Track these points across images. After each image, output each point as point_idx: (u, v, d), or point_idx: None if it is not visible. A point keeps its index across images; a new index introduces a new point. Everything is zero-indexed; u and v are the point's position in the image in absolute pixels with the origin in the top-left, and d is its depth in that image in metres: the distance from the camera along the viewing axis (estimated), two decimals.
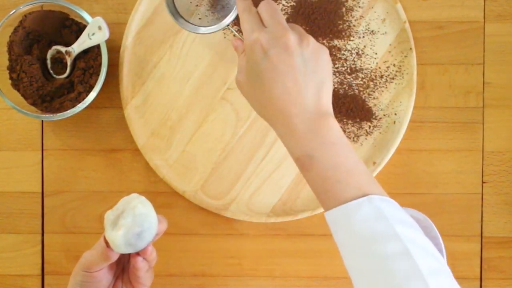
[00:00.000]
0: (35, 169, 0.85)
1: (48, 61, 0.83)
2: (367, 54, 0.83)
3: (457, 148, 0.84)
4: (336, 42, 0.83)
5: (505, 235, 0.84)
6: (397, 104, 0.83)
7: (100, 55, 0.80)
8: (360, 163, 0.63)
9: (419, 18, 0.83)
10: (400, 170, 0.84)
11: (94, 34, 0.79)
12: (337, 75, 0.83)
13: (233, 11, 0.74)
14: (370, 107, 0.83)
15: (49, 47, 0.83)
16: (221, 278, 0.85)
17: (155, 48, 0.84)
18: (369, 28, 0.83)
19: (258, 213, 0.84)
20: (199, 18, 0.77)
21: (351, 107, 0.83)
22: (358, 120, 0.83)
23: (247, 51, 0.66)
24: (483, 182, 0.84)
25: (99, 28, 0.78)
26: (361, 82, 0.83)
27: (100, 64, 0.80)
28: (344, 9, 0.83)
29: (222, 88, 0.84)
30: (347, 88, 0.83)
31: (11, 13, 0.79)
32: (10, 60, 0.81)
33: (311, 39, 0.65)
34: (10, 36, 0.81)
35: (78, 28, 0.82)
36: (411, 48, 0.82)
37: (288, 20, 0.82)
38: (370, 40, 0.83)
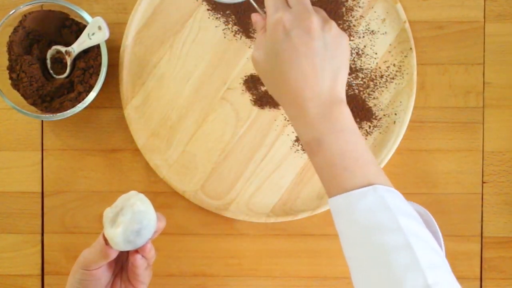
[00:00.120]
0: (35, 169, 0.85)
1: (48, 61, 0.83)
2: (367, 54, 0.83)
3: (457, 148, 0.84)
4: None
5: (505, 235, 0.84)
6: (397, 104, 0.83)
7: (100, 55, 0.80)
8: (368, 153, 0.62)
9: (419, 18, 0.83)
10: (400, 170, 0.84)
11: (94, 34, 0.79)
12: None
13: None
14: (370, 107, 0.83)
15: (49, 47, 0.83)
16: (221, 278, 0.85)
17: (155, 48, 0.84)
18: (369, 28, 0.83)
19: (258, 213, 0.84)
20: None
21: (351, 107, 0.82)
22: (358, 120, 0.83)
23: (269, 29, 0.65)
24: (483, 182, 0.84)
25: (99, 28, 0.78)
26: (361, 82, 0.83)
27: (100, 64, 0.80)
28: (344, 9, 0.83)
29: (222, 88, 0.84)
30: (347, 88, 0.83)
31: (11, 13, 0.79)
32: (10, 60, 0.81)
33: (333, 24, 0.65)
34: (10, 36, 0.81)
35: (78, 28, 0.82)
36: (411, 48, 0.82)
37: None
38: (370, 40, 0.83)
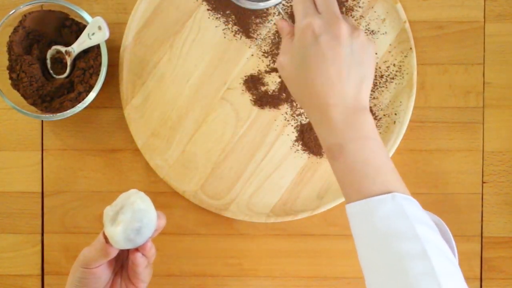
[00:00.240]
0: (35, 169, 0.85)
1: (48, 61, 0.83)
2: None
3: (457, 148, 0.84)
4: None
5: (505, 235, 0.84)
6: (397, 104, 0.83)
7: (100, 55, 0.80)
8: (389, 160, 0.63)
9: (419, 18, 0.83)
10: (400, 170, 0.83)
11: (94, 34, 0.79)
12: None
13: None
14: (370, 107, 0.83)
15: (49, 47, 0.83)
16: (221, 278, 0.85)
17: (155, 48, 0.84)
18: (369, 28, 0.83)
19: (258, 213, 0.84)
20: None
21: None
22: None
23: (297, 34, 0.66)
24: (483, 182, 0.84)
25: (99, 28, 0.78)
26: None
27: (100, 64, 0.80)
28: (344, 9, 0.83)
29: (222, 88, 0.84)
30: None
31: (11, 13, 0.79)
32: (10, 60, 0.81)
33: (361, 32, 0.65)
34: (10, 36, 0.81)
35: (78, 28, 0.82)
36: (411, 48, 0.82)
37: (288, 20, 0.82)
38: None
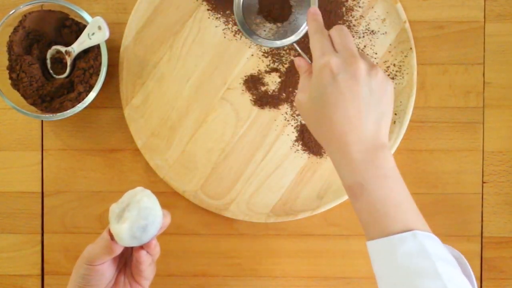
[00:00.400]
0: (35, 169, 0.85)
1: (48, 61, 0.83)
2: (367, 54, 0.83)
3: (457, 148, 0.84)
4: None
5: (505, 235, 0.84)
6: (397, 104, 0.83)
7: (100, 55, 0.80)
8: (409, 197, 0.64)
9: (419, 18, 0.83)
10: (400, 170, 0.83)
11: (94, 34, 0.79)
12: None
13: (301, 29, 0.75)
14: None
15: (49, 47, 0.83)
16: (221, 278, 0.85)
17: (155, 48, 0.84)
18: (369, 28, 0.83)
19: (258, 213, 0.84)
20: (264, 31, 0.78)
21: None
22: None
23: (315, 73, 0.66)
24: (483, 182, 0.84)
25: (99, 28, 0.78)
26: None
27: (100, 64, 0.80)
28: (344, 9, 0.83)
29: (222, 88, 0.84)
30: None
31: (11, 13, 0.79)
32: (10, 60, 0.81)
33: (379, 70, 0.66)
34: (10, 36, 0.81)
35: (78, 28, 0.82)
36: (411, 48, 0.82)
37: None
38: (370, 40, 0.83)
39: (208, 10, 0.84)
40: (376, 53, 0.83)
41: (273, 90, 0.83)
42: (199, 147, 0.84)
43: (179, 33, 0.84)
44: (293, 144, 0.83)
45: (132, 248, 0.68)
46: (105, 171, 0.85)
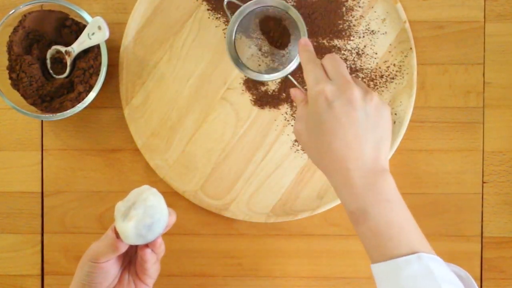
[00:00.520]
0: (35, 169, 0.85)
1: (48, 61, 0.83)
2: (367, 54, 0.83)
3: (457, 148, 0.84)
4: (336, 42, 0.83)
5: (505, 235, 0.84)
6: (397, 104, 0.83)
7: (100, 55, 0.80)
8: (412, 220, 0.64)
9: (419, 18, 0.83)
10: (400, 170, 0.84)
11: (94, 34, 0.79)
12: None
13: (294, 60, 0.76)
14: None
15: (49, 47, 0.83)
16: (221, 278, 0.85)
17: (155, 48, 0.84)
18: (369, 28, 0.83)
19: (258, 213, 0.84)
20: (259, 65, 0.79)
21: None
22: None
23: (311, 101, 0.66)
24: (483, 182, 0.84)
25: (99, 28, 0.78)
26: None
27: (100, 64, 0.80)
28: (344, 9, 0.83)
29: (222, 88, 0.84)
30: None
31: (10, 13, 0.79)
32: (9, 60, 0.81)
33: (374, 95, 0.66)
34: (9, 36, 0.81)
35: (78, 28, 0.82)
36: (411, 48, 0.82)
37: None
38: (370, 40, 0.83)
39: (208, 10, 0.84)
40: (376, 53, 0.83)
41: (273, 90, 0.83)
42: (199, 147, 0.84)
43: (179, 33, 0.84)
44: (293, 144, 0.83)
45: (136, 246, 0.68)
46: (105, 171, 0.85)
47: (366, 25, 0.83)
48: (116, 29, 0.83)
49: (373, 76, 0.83)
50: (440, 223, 0.84)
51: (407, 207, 0.64)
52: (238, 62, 0.78)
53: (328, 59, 0.68)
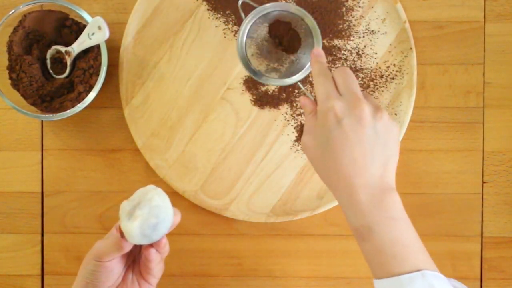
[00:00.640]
0: (35, 169, 0.85)
1: (48, 61, 0.83)
2: (367, 54, 0.83)
3: (457, 148, 0.84)
4: (336, 41, 0.83)
5: (505, 235, 0.84)
6: (397, 104, 0.83)
7: (100, 55, 0.80)
8: (417, 238, 0.64)
9: (419, 18, 0.83)
10: (400, 170, 0.83)
11: (94, 34, 0.79)
12: None
13: (305, 69, 0.75)
14: None
15: (49, 47, 0.83)
16: (221, 278, 0.85)
17: (155, 48, 0.84)
18: (369, 28, 0.83)
19: (258, 213, 0.84)
20: (266, 70, 0.78)
21: None
22: None
23: (320, 117, 0.66)
24: (483, 182, 0.84)
25: (99, 28, 0.78)
26: (361, 82, 0.83)
27: (100, 64, 0.80)
28: (344, 9, 0.83)
29: (222, 88, 0.84)
30: None
31: (10, 13, 0.79)
32: (9, 60, 0.81)
33: (384, 113, 0.66)
34: (9, 36, 0.81)
35: (78, 28, 0.82)
36: (411, 48, 0.82)
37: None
38: (370, 40, 0.83)
39: (208, 10, 0.84)
40: (376, 53, 0.83)
41: (273, 90, 0.83)
42: (199, 147, 0.84)
43: (179, 33, 0.84)
44: (293, 144, 0.83)
45: (141, 245, 0.68)
46: (105, 171, 0.85)
47: (366, 25, 0.83)
48: (116, 29, 0.83)
49: (373, 76, 0.83)
50: (440, 223, 0.84)
51: (412, 225, 0.64)
52: (248, 64, 0.76)
53: (340, 72, 0.67)
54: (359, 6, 0.83)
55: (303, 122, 0.83)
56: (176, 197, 0.84)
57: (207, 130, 0.84)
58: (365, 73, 0.83)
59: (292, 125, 0.83)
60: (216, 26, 0.83)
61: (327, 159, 0.65)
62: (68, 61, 0.82)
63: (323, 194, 0.83)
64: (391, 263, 0.61)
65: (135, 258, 0.71)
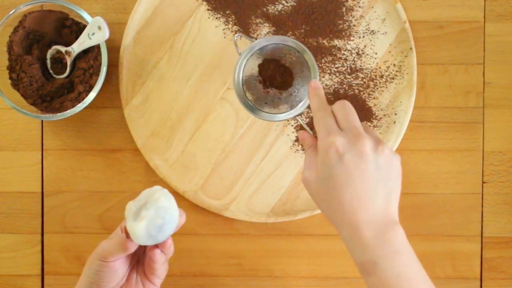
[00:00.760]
0: (35, 169, 0.85)
1: (48, 61, 0.83)
2: (367, 54, 0.83)
3: (457, 148, 0.84)
4: (336, 42, 0.83)
5: (505, 235, 0.84)
6: (397, 104, 0.83)
7: (100, 55, 0.80)
8: (420, 269, 0.64)
9: (419, 18, 0.83)
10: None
11: (94, 34, 0.79)
12: (337, 75, 0.83)
13: (303, 102, 0.75)
14: (370, 107, 0.83)
15: (49, 47, 0.83)
16: (221, 278, 0.85)
17: (155, 48, 0.84)
18: (369, 28, 0.83)
19: (258, 213, 0.84)
20: (265, 103, 0.77)
21: None
22: None
23: (321, 153, 0.66)
24: (483, 182, 0.84)
25: (99, 28, 0.78)
26: (361, 82, 0.83)
27: (100, 64, 0.80)
28: (344, 9, 0.83)
29: (222, 88, 0.84)
30: (347, 88, 0.83)
31: (11, 13, 0.79)
32: (10, 60, 0.81)
33: (385, 146, 0.66)
34: (10, 36, 0.81)
35: (78, 28, 0.82)
36: (411, 48, 0.82)
37: (287, 20, 0.82)
38: (370, 40, 0.83)
39: (208, 10, 0.84)
40: (376, 53, 0.83)
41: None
42: (199, 147, 0.84)
43: (179, 33, 0.84)
44: (293, 144, 0.83)
45: (145, 246, 0.68)
46: (105, 171, 0.85)
47: (366, 25, 0.83)
48: (116, 29, 0.83)
49: (373, 76, 0.83)
50: (440, 223, 0.84)
51: (417, 258, 0.64)
52: (246, 101, 0.76)
53: (339, 107, 0.67)
54: (359, 6, 0.83)
55: (303, 122, 0.83)
56: (176, 197, 0.83)
57: (207, 130, 0.84)
58: (365, 73, 0.83)
59: (292, 125, 0.83)
60: (216, 26, 0.83)
61: (330, 195, 0.65)
62: (68, 61, 0.82)
63: None
64: None
65: (139, 258, 0.71)
